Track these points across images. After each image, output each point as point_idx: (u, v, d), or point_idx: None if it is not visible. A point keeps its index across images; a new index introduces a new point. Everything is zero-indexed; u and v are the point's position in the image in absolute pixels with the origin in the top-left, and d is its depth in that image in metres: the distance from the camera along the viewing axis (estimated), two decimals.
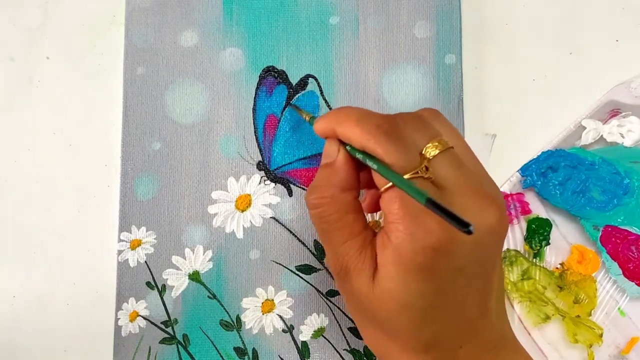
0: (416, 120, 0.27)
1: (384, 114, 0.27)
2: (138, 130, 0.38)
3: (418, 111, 0.28)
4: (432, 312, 0.26)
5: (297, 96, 0.38)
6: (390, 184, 0.25)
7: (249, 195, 0.37)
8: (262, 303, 0.36)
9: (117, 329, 0.36)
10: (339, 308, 0.36)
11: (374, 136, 0.26)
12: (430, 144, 0.26)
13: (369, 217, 0.37)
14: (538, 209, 0.37)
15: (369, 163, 0.26)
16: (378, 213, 0.36)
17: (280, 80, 0.38)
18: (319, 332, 0.36)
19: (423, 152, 0.26)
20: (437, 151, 0.26)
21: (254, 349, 0.36)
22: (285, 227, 0.37)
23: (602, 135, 0.37)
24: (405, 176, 0.25)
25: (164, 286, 0.37)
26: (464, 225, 0.20)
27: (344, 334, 0.36)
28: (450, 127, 0.28)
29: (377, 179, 0.26)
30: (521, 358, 0.29)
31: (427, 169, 0.25)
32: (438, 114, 0.28)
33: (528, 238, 0.37)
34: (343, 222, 0.27)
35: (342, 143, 0.28)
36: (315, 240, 0.37)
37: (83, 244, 0.38)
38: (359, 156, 0.27)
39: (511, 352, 0.29)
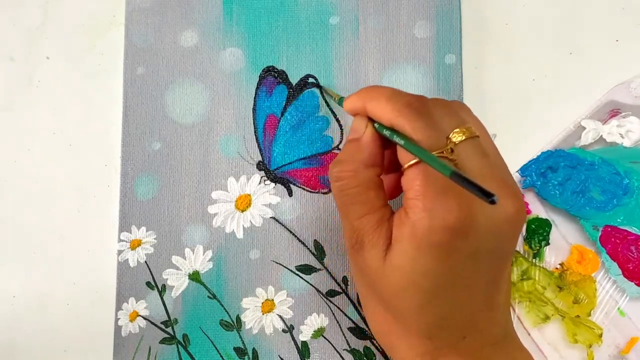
0: (446, 106, 0.28)
1: (414, 94, 0.27)
2: (138, 130, 0.38)
3: (447, 101, 0.29)
4: (439, 295, 0.26)
5: (297, 96, 0.38)
6: (414, 160, 0.25)
7: (249, 195, 0.37)
8: (262, 303, 0.37)
9: (117, 329, 0.36)
10: (339, 308, 0.36)
11: (404, 113, 0.26)
12: (457, 129, 0.26)
13: None
14: (538, 209, 0.37)
15: (396, 139, 0.26)
16: None
17: (280, 80, 0.38)
18: (319, 332, 0.36)
19: (449, 137, 0.26)
20: (463, 137, 0.26)
21: (254, 349, 0.36)
22: (285, 227, 0.37)
23: (601, 136, 0.37)
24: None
25: (164, 286, 0.37)
26: (487, 196, 0.20)
27: (344, 334, 0.36)
28: (476, 119, 0.28)
29: (402, 156, 0.26)
30: (523, 355, 0.29)
31: (452, 151, 0.26)
32: (466, 107, 0.29)
33: (528, 238, 0.37)
34: (363, 197, 0.27)
35: (370, 121, 0.28)
36: (315, 240, 0.37)
37: (83, 244, 0.38)
38: (387, 133, 0.27)
39: (513, 349, 0.29)
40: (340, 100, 0.33)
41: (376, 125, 0.28)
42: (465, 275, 0.26)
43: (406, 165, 0.26)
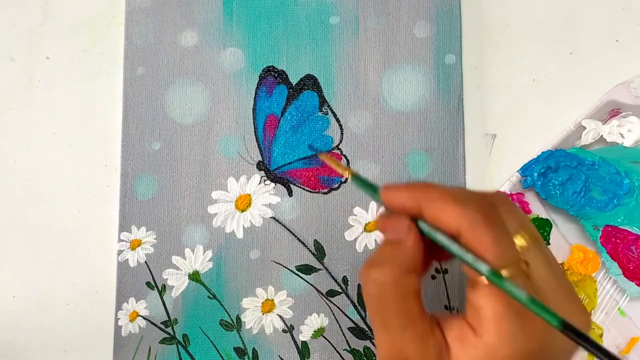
0: (506, 203, 0.25)
1: (480, 195, 0.25)
2: (138, 130, 0.38)
3: (489, 195, 0.26)
4: None
5: (297, 96, 0.38)
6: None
7: (249, 195, 0.37)
8: (262, 303, 0.36)
9: (117, 329, 0.36)
10: (338, 308, 0.36)
11: (478, 222, 0.23)
12: (519, 235, 0.24)
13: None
14: (538, 209, 0.37)
15: (460, 254, 0.23)
16: None
17: (280, 80, 0.38)
18: (319, 332, 0.36)
19: (515, 241, 0.24)
20: (525, 243, 0.24)
21: (253, 349, 0.36)
22: (285, 227, 0.37)
23: (602, 135, 0.37)
24: (505, 271, 0.23)
25: (164, 286, 0.37)
26: (572, 331, 0.19)
27: (344, 334, 0.36)
28: (522, 213, 0.26)
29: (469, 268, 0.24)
30: None
31: (527, 264, 0.23)
32: (510, 201, 0.26)
33: None
34: (404, 307, 0.24)
35: (414, 221, 0.25)
36: (315, 240, 0.37)
37: (83, 244, 0.38)
38: (445, 243, 0.24)
39: None
40: (355, 178, 0.28)
41: (424, 228, 0.25)
42: None
43: (484, 283, 0.23)
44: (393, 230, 0.25)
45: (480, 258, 0.23)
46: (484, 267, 0.23)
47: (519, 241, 0.24)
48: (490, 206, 0.24)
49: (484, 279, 0.23)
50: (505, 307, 0.23)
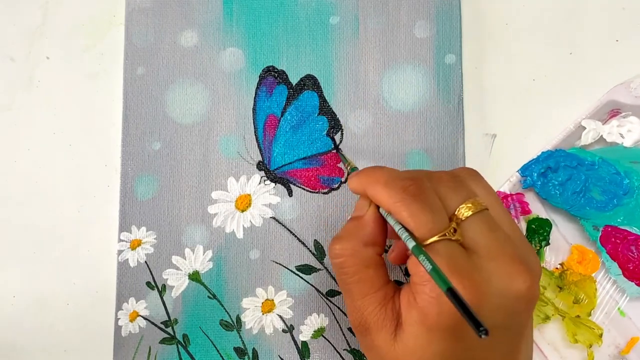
0: (451, 179, 0.27)
1: (413, 175, 0.27)
2: (138, 130, 0.38)
3: (455, 170, 0.28)
4: None
5: (297, 96, 0.38)
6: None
7: (249, 195, 0.37)
8: (262, 303, 0.37)
9: (117, 329, 0.36)
10: (339, 308, 0.36)
11: (401, 199, 0.26)
12: (464, 205, 0.26)
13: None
14: (538, 209, 0.37)
15: (396, 229, 0.26)
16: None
17: (280, 80, 0.38)
18: (319, 332, 0.36)
19: (456, 213, 0.26)
20: (471, 212, 0.26)
21: (254, 349, 0.36)
22: (285, 227, 0.37)
23: (601, 136, 0.37)
24: (432, 239, 0.25)
25: (164, 286, 0.37)
26: (477, 327, 0.20)
27: (344, 334, 0.36)
28: (487, 188, 0.28)
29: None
30: None
31: (455, 230, 0.25)
32: (476, 173, 0.28)
33: (528, 238, 0.37)
34: (363, 276, 0.27)
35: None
36: (315, 240, 0.37)
37: (83, 244, 0.38)
38: (388, 220, 0.27)
39: None
40: (352, 170, 0.33)
41: (381, 209, 0.28)
42: (478, 352, 0.25)
43: (410, 249, 0.25)
44: (357, 209, 0.29)
45: (406, 229, 0.25)
46: (404, 235, 0.25)
47: (462, 212, 0.26)
48: (417, 187, 0.26)
49: (410, 248, 0.25)
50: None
